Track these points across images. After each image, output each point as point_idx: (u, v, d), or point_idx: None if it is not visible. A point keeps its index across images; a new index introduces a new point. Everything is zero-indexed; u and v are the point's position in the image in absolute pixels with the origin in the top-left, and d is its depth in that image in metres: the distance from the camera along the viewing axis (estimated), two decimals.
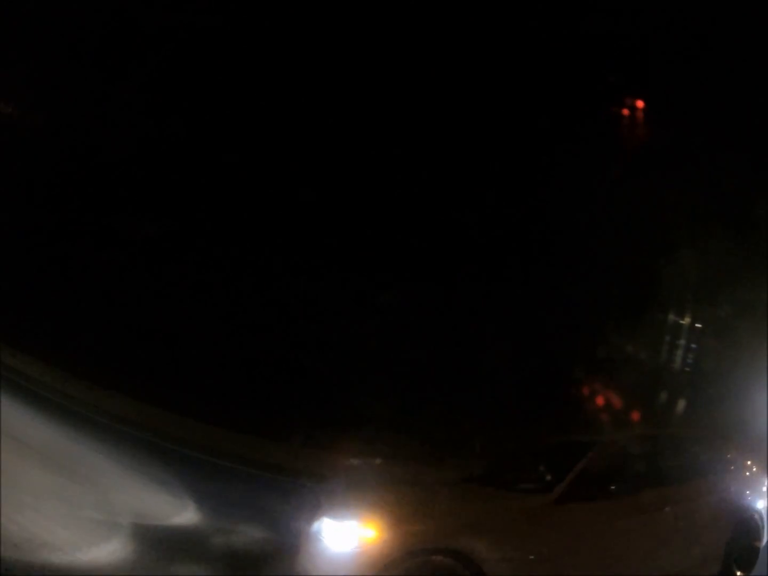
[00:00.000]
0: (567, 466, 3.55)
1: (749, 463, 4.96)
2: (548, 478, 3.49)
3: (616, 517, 3.60)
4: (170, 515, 3.86)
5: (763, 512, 4.74)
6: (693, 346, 11.14)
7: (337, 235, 9.51)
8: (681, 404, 10.25)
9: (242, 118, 10.07)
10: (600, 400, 9.23)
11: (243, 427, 7.00)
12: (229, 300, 8.57)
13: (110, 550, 3.01)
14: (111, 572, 2.63)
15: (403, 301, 9.09)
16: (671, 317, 11.15)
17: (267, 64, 10.27)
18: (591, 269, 10.30)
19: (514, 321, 10.16)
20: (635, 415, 9.29)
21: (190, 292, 8.66)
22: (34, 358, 6.24)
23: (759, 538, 4.58)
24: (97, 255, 8.40)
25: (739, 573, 4.34)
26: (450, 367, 8.96)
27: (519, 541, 3.05)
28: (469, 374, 8.98)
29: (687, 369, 10.66)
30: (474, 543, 2.81)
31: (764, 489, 4.90)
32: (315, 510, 3.11)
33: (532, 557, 3.06)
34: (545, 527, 3.21)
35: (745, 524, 4.48)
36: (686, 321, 10.92)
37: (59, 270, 7.93)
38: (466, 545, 2.78)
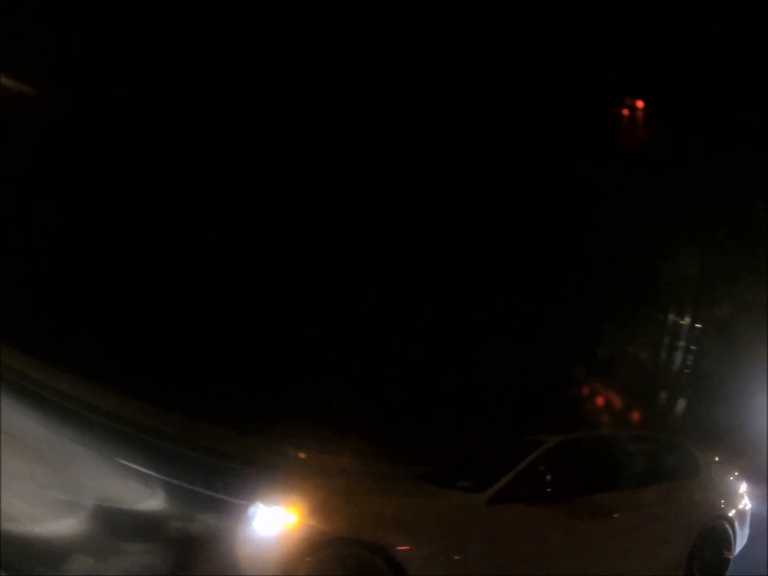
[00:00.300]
0: (508, 466, 3.37)
1: (720, 468, 4.63)
2: (486, 478, 3.29)
3: (556, 521, 3.32)
4: (120, 495, 4.13)
5: (736, 520, 4.36)
6: (682, 344, 11.13)
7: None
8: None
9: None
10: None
11: (186, 410, 7.20)
12: (177, 293, 8.69)
13: (66, 525, 3.09)
14: (62, 544, 2.73)
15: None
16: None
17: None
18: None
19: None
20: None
21: (139, 281, 8.90)
22: (3, 345, 6.29)
23: (729, 548, 4.24)
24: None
25: None
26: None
27: (445, 539, 2.92)
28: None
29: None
30: (394, 538, 2.75)
31: (738, 495, 4.56)
32: (248, 494, 3.28)
33: (457, 557, 2.90)
34: (475, 528, 3.04)
35: (712, 533, 4.15)
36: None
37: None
38: (386, 539, 2.73)
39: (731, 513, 4.31)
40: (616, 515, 3.60)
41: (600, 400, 10.14)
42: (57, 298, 8.00)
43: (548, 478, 3.42)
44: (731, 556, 4.24)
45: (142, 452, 5.25)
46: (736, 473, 4.67)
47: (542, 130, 10.58)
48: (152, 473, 4.67)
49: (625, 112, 9.75)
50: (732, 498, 4.44)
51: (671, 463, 4.30)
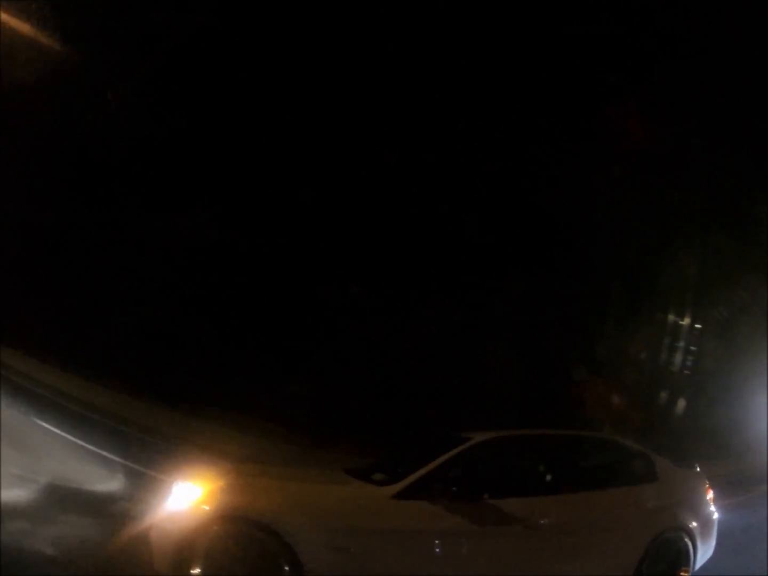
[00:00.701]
0: (425, 462, 3.22)
1: (684, 475, 4.21)
2: (402, 472, 3.16)
3: (466, 522, 3.09)
4: (49, 463, 4.42)
5: (697, 533, 3.89)
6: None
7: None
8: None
9: None
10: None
11: (124, 386, 7.43)
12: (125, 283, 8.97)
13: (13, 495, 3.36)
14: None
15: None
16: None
17: None
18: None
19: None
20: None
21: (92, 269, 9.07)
22: None
23: (686, 563, 3.79)
24: None
25: None
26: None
27: (341, 529, 2.87)
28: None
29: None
30: (289, 522, 2.78)
31: (703, 505, 4.09)
32: (170, 470, 3.50)
33: (353, 548, 2.85)
34: (375, 521, 2.95)
35: (666, 546, 3.73)
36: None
37: None
38: (279, 522, 2.75)
39: (692, 524, 3.88)
40: (542, 521, 3.28)
41: (592, 398, 10.16)
42: None
43: (465, 476, 3.28)
44: (688, 573, 3.82)
45: (71, 422, 5.63)
46: (703, 481, 4.21)
47: (543, 130, 10.58)
48: (80, 443, 5.03)
49: (625, 111, 9.76)
50: (695, 508, 4.01)
51: (623, 468, 3.96)
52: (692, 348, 11.08)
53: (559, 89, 10.23)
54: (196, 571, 2.57)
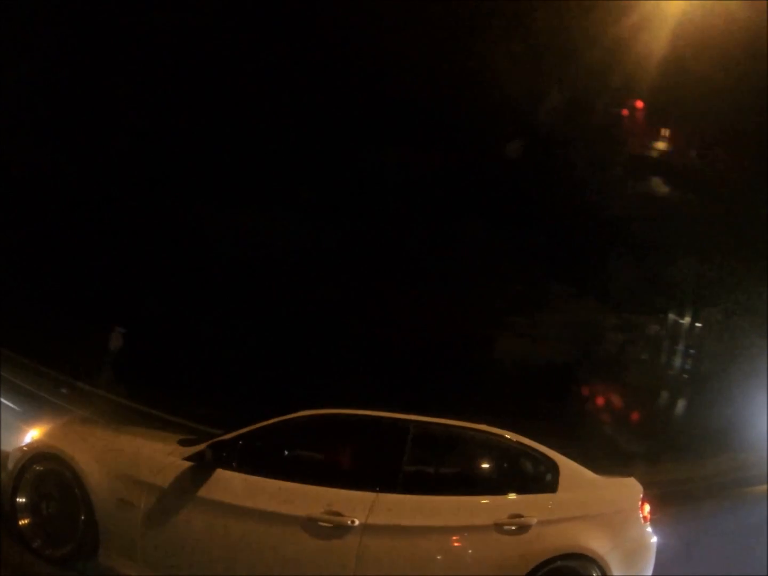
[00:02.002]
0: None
1: (602, 485, 3.26)
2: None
3: (236, 497, 2.82)
4: None
5: (613, 561, 2.97)
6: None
7: None
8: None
9: None
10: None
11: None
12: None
13: None
14: None
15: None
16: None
17: None
18: None
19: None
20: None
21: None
22: None
23: None
24: None
25: None
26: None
27: (131, 482, 2.90)
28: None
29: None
30: (90, 465, 2.98)
31: (629, 525, 3.16)
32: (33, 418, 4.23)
33: (135, 502, 2.87)
34: (157, 480, 2.89)
35: (560, 573, 2.88)
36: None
37: None
38: (81, 464, 2.98)
39: (605, 550, 2.97)
40: (351, 522, 2.72)
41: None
42: None
43: (264, 451, 2.99)
44: None
45: None
46: (635, 495, 3.26)
47: (544, 130, 10.56)
48: None
49: (626, 112, 9.73)
50: (615, 529, 3.11)
51: (505, 472, 3.22)
52: (691, 350, 11.09)
53: (559, 90, 10.21)
54: (23, 499, 2.99)
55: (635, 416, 9.95)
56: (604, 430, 9.45)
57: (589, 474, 3.24)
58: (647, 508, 3.24)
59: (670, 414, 10.37)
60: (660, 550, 3.26)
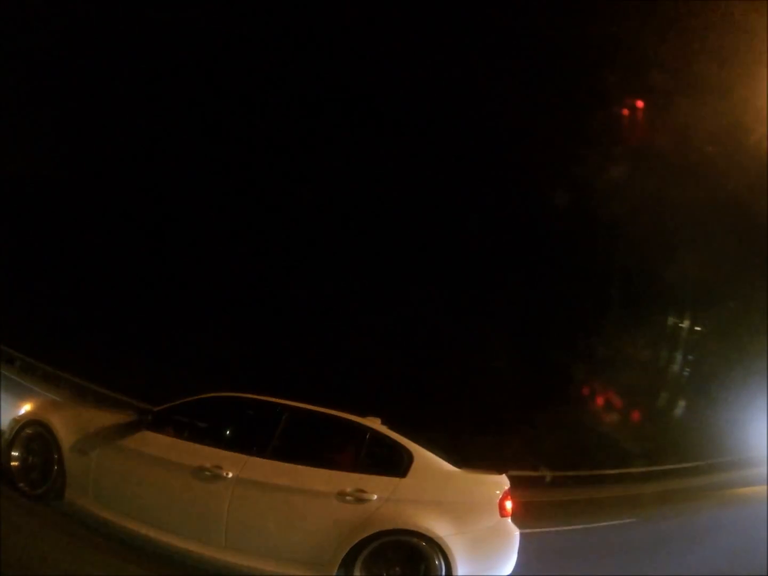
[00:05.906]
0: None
1: (459, 478, 3.59)
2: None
3: (162, 454, 3.68)
4: None
5: (456, 544, 3.29)
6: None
7: None
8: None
9: None
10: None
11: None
12: None
13: None
14: None
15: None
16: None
17: None
18: None
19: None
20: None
21: None
22: None
23: (433, 573, 3.27)
24: None
25: None
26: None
27: (96, 443, 3.79)
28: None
29: None
30: (65, 430, 3.84)
31: (481, 515, 3.49)
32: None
33: (89, 454, 3.76)
34: (110, 440, 3.81)
35: (396, 549, 3.29)
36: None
37: None
38: (59, 429, 3.83)
39: (447, 533, 3.30)
40: (227, 473, 3.45)
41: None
42: None
43: (191, 420, 3.86)
44: None
45: None
46: (494, 490, 3.54)
47: (544, 130, 10.59)
48: None
49: (626, 111, 9.74)
50: (465, 517, 3.44)
51: (361, 455, 3.62)
52: (690, 353, 11.11)
53: (559, 89, 10.23)
54: (16, 453, 3.83)
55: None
56: None
57: (446, 466, 3.64)
58: (509, 503, 3.56)
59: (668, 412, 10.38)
60: (662, 545, 3.41)
